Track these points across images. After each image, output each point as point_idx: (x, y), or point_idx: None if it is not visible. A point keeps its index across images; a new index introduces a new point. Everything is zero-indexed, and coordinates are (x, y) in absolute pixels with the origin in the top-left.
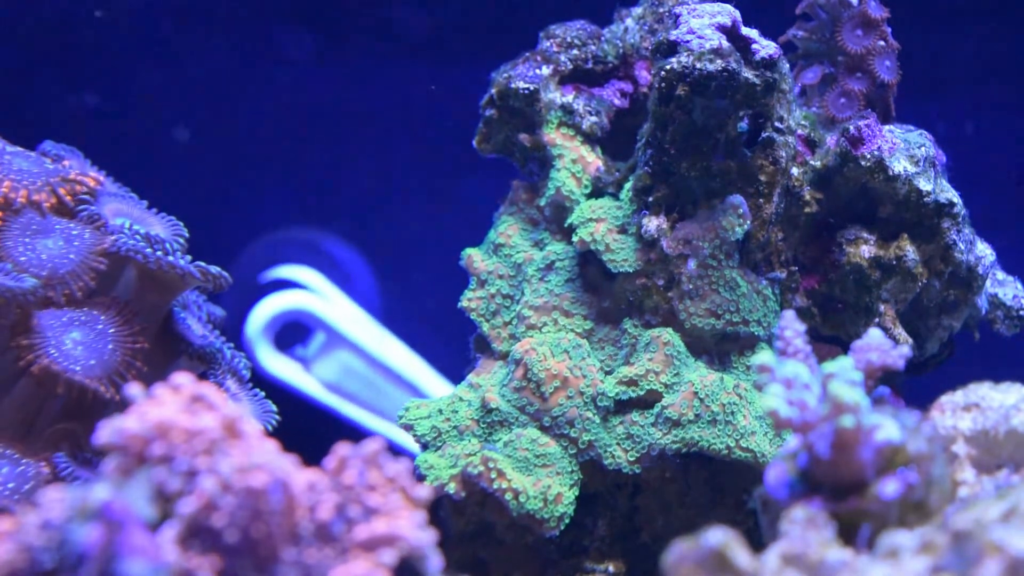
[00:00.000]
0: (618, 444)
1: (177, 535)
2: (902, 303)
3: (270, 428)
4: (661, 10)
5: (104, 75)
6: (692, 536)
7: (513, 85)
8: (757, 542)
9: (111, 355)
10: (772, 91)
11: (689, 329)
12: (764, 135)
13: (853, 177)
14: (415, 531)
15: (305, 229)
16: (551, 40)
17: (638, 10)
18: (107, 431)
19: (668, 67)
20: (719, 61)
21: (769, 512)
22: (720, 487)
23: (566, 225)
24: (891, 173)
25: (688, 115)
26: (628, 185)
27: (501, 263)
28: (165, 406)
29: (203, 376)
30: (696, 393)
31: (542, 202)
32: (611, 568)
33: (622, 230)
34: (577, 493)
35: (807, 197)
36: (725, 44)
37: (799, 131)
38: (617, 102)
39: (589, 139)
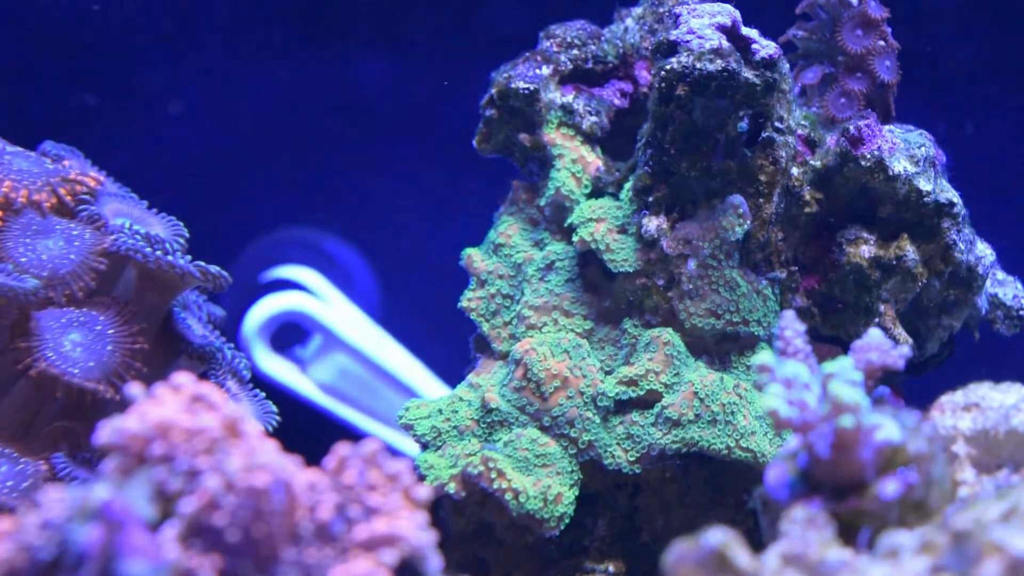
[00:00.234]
0: (618, 444)
1: (178, 534)
2: (902, 303)
3: (270, 429)
4: (661, 10)
5: (104, 75)
6: (692, 536)
7: (513, 85)
8: (757, 542)
9: (110, 356)
10: (772, 91)
11: (689, 329)
12: (764, 135)
13: (853, 177)
14: (415, 531)
15: (305, 229)
16: (551, 40)
17: (638, 10)
18: (107, 431)
19: (668, 67)
20: (719, 61)
21: (769, 512)
22: (720, 487)
23: (566, 225)
24: (891, 173)
25: (688, 115)
26: (628, 185)
27: (501, 263)
28: (165, 406)
29: (203, 376)
30: (696, 393)
31: (542, 202)
32: (611, 568)
33: (622, 230)
34: (577, 493)
35: (807, 197)
36: (725, 44)
37: (799, 131)
38: (617, 102)
39: (589, 139)
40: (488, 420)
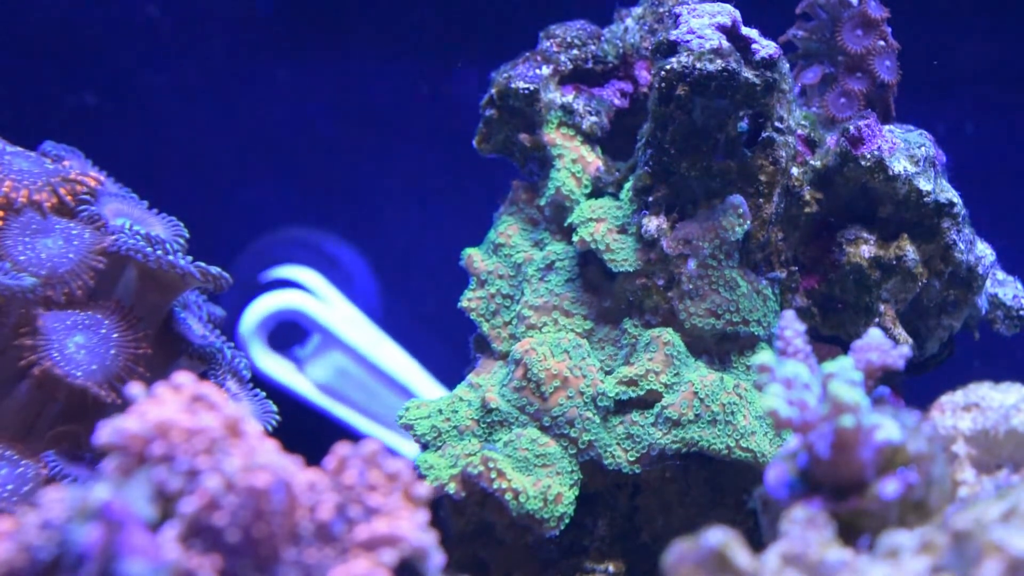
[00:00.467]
0: (618, 444)
1: (178, 534)
2: (902, 303)
3: (270, 428)
4: (661, 10)
5: (104, 75)
6: (692, 536)
7: (513, 85)
8: (757, 542)
9: (113, 360)
10: (772, 91)
11: (689, 329)
12: (764, 135)
13: (853, 177)
14: (416, 531)
15: (305, 229)
16: (551, 40)
17: (638, 10)
18: (107, 431)
19: (668, 67)
20: (719, 61)
21: (769, 512)
22: (720, 487)
23: (566, 225)
24: (891, 173)
25: (688, 115)
26: (628, 185)
27: (501, 263)
28: (165, 406)
29: (203, 376)
30: (696, 393)
31: (542, 202)
32: (611, 568)
33: (622, 230)
34: (577, 493)
35: (807, 197)
36: (725, 44)
37: (799, 131)
38: (617, 102)
39: (589, 139)
40: (488, 420)
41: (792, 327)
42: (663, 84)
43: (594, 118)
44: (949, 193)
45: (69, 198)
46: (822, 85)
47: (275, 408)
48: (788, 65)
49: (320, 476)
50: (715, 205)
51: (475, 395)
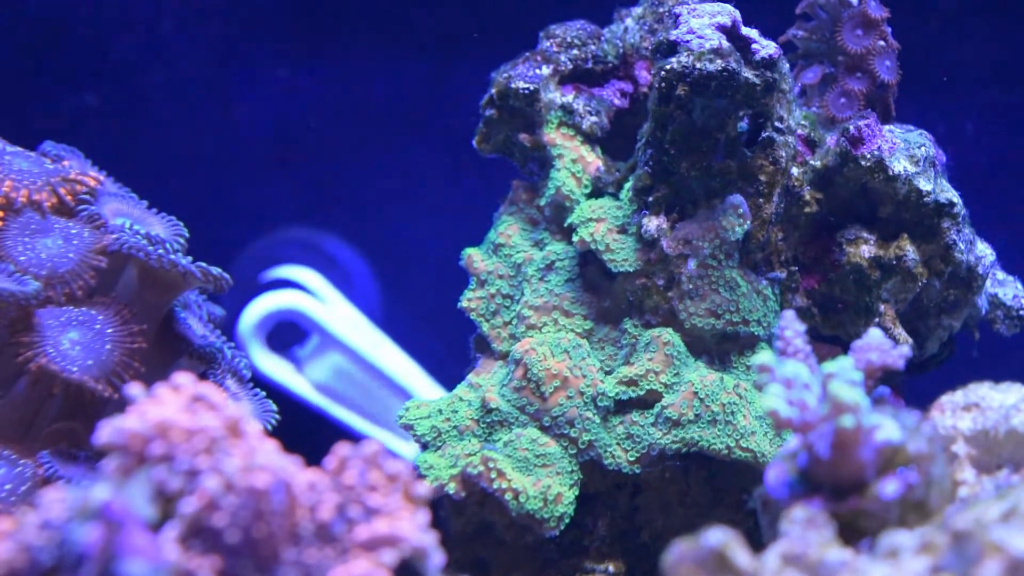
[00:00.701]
0: (618, 444)
1: (178, 535)
2: (902, 303)
3: (269, 427)
4: (661, 10)
5: (104, 75)
6: (692, 536)
7: (513, 85)
8: (757, 542)
9: (108, 355)
10: (772, 91)
11: (689, 329)
12: (764, 135)
13: (853, 177)
14: (416, 531)
15: (304, 229)
16: (551, 40)
17: (638, 10)
18: (107, 430)
19: (668, 67)
20: (719, 61)
21: (769, 512)
22: (720, 487)
23: (566, 225)
24: (891, 173)
25: (688, 115)
26: (628, 185)
27: (501, 263)
28: (166, 405)
29: (203, 376)
30: (696, 393)
31: (542, 202)
32: (611, 568)
33: (622, 230)
34: (577, 493)
35: (807, 197)
36: (725, 44)
37: (799, 131)
38: (617, 102)
39: (589, 139)
40: (488, 420)
41: (792, 327)
42: (663, 84)
43: (594, 118)
44: (949, 193)
45: (69, 198)
46: (822, 85)
47: (275, 407)
48: (788, 65)
49: (320, 476)
50: (715, 205)
51: (475, 395)
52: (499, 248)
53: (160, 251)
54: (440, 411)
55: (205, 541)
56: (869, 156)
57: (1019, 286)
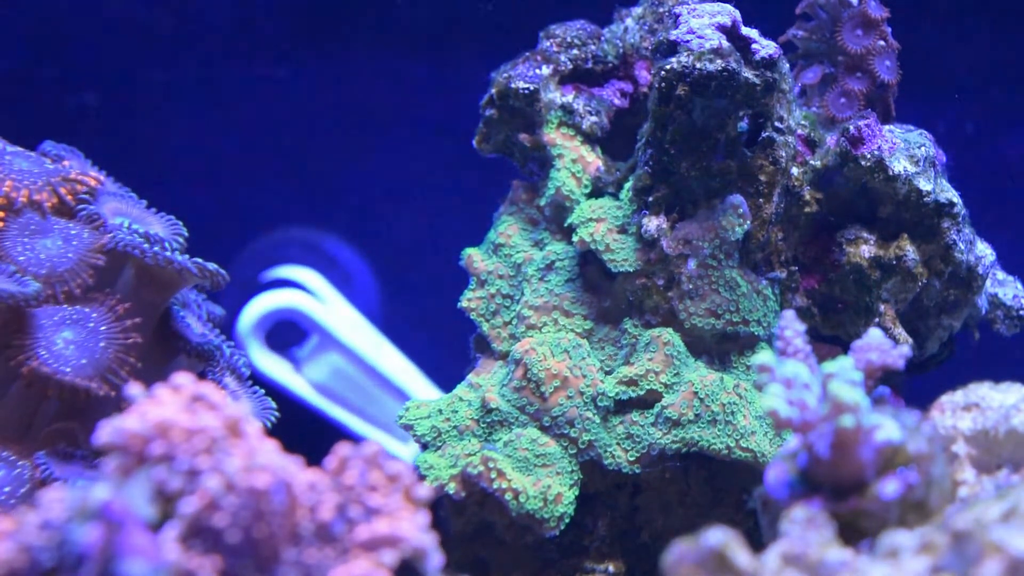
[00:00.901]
0: (618, 444)
1: (178, 535)
2: (902, 303)
3: (268, 425)
4: (661, 10)
5: (104, 75)
6: (692, 536)
7: (513, 85)
8: (757, 542)
9: (103, 353)
10: (772, 91)
11: (689, 329)
12: (764, 135)
13: (853, 177)
14: (416, 532)
15: (305, 229)
16: (551, 40)
17: (638, 10)
18: (107, 430)
19: (668, 67)
20: (719, 61)
21: (769, 512)
22: (720, 487)
23: (566, 225)
24: (891, 173)
25: (688, 115)
26: (628, 185)
27: (501, 263)
28: (166, 405)
29: (202, 374)
30: (696, 393)
31: (542, 202)
32: (611, 568)
33: (622, 230)
34: (577, 493)
35: (807, 197)
36: (725, 44)
37: (799, 131)
38: (617, 102)
39: (589, 139)
40: (488, 420)
41: (792, 327)
42: (663, 84)
43: (594, 118)
44: (949, 193)
45: (69, 198)
46: (822, 85)
47: (274, 405)
48: (788, 65)
49: (321, 476)
50: (715, 205)
51: (475, 395)
52: (499, 248)
53: (155, 249)
54: (440, 411)
55: (205, 541)
56: (869, 156)
57: (1019, 286)
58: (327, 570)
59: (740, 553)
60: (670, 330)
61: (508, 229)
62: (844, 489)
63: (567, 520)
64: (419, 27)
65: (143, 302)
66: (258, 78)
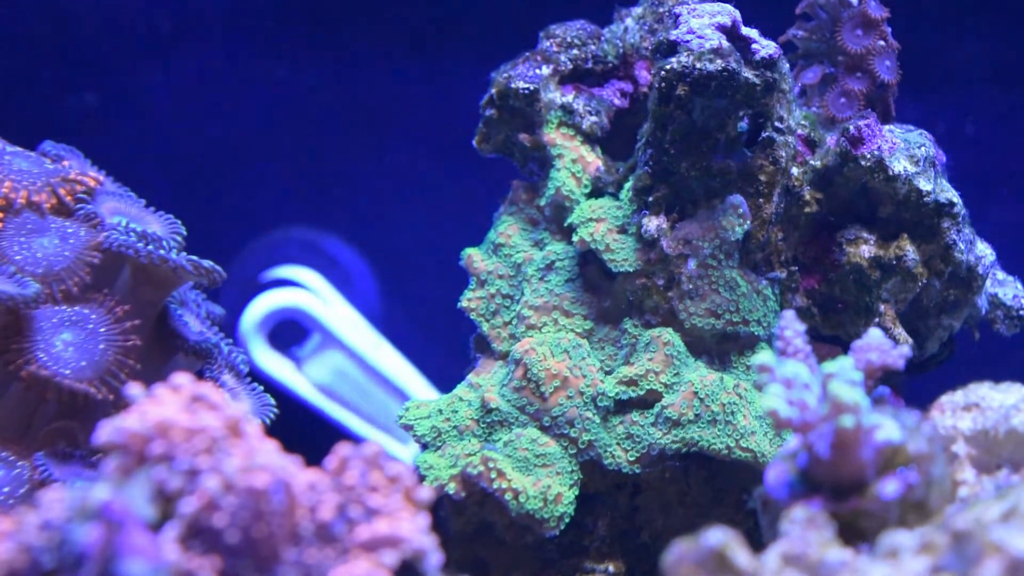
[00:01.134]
0: (618, 444)
1: (178, 535)
2: (902, 303)
3: (267, 421)
4: (661, 10)
5: (104, 75)
6: (692, 536)
7: (513, 85)
8: (757, 542)
9: (102, 355)
10: (772, 91)
11: (689, 329)
12: (764, 135)
13: (853, 177)
14: (417, 533)
15: (305, 229)
16: (551, 40)
17: (638, 10)
18: (107, 430)
19: (668, 67)
20: (719, 61)
21: (769, 512)
22: (720, 487)
23: (566, 225)
24: (891, 173)
25: (688, 115)
26: (628, 185)
27: (501, 263)
28: (166, 405)
29: (200, 372)
30: (696, 393)
31: (542, 202)
32: (611, 568)
33: (622, 230)
34: (577, 493)
35: (807, 197)
36: (725, 44)
37: (799, 131)
38: (617, 102)
39: (589, 139)
40: (488, 420)
41: (792, 327)
42: (663, 84)
43: (594, 118)
44: (949, 193)
45: (68, 198)
46: (822, 85)
47: (273, 402)
48: (788, 65)
49: (321, 476)
50: (715, 205)
51: (475, 395)
52: (499, 248)
53: (150, 247)
54: (440, 411)
55: (205, 541)
56: (869, 156)
57: (1019, 286)
58: (327, 570)
59: (740, 553)
60: (670, 330)
61: (508, 229)
62: (844, 489)
63: (567, 520)
64: (419, 27)
65: (140, 301)
66: (258, 78)
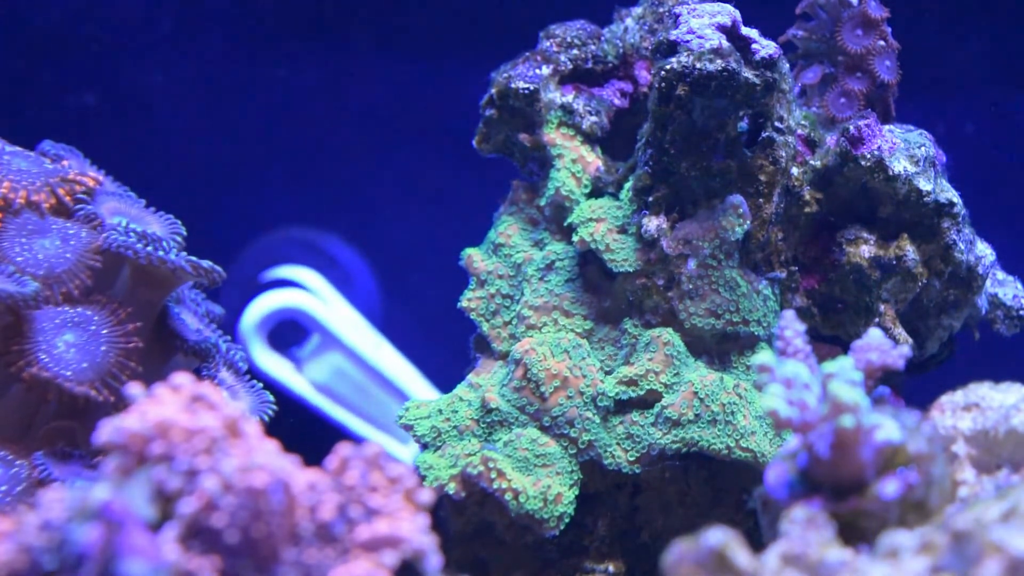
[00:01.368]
0: (618, 444)
1: (177, 535)
2: (902, 303)
3: (267, 418)
4: (661, 10)
5: (104, 75)
6: (692, 536)
7: (513, 85)
8: (757, 542)
9: (104, 356)
10: (772, 91)
11: (689, 329)
12: (764, 135)
13: (853, 177)
14: (417, 533)
15: (305, 229)
16: (551, 40)
17: (638, 10)
18: (107, 430)
19: (668, 67)
20: (719, 61)
21: (769, 512)
22: (720, 487)
23: (566, 225)
24: (891, 173)
25: (688, 115)
26: (628, 185)
27: (501, 263)
28: (165, 405)
29: (197, 370)
30: (696, 393)
31: (542, 202)
32: (611, 568)
33: (622, 230)
34: (577, 493)
35: (807, 197)
36: (725, 44)
37: (799, 131)
38: (617, 102)
39: (589, 139)
40: (488, 420)
41: (792, 327)
42: (663, 84)
43: (594, 118)
44: (949, 193)
45: (67, 198)
46: (822, 85)
47: (272, 399)
48: (788, 65)
49: (321, 476)
50: (715, 205)
51: (475, 395)
52: (499, 248)
53: (149, 248)
54: (440, 411)
55: (204, 541)
56: (869, 156)
57: (1019, 286)
58: (327, 570)
59: (740, 553)
60: (670, 330)
61: (508, 229)
62: (844, 489)
63: (567, 520)
64: (419, 27)
65: (140, 301)
66: (258, 78)
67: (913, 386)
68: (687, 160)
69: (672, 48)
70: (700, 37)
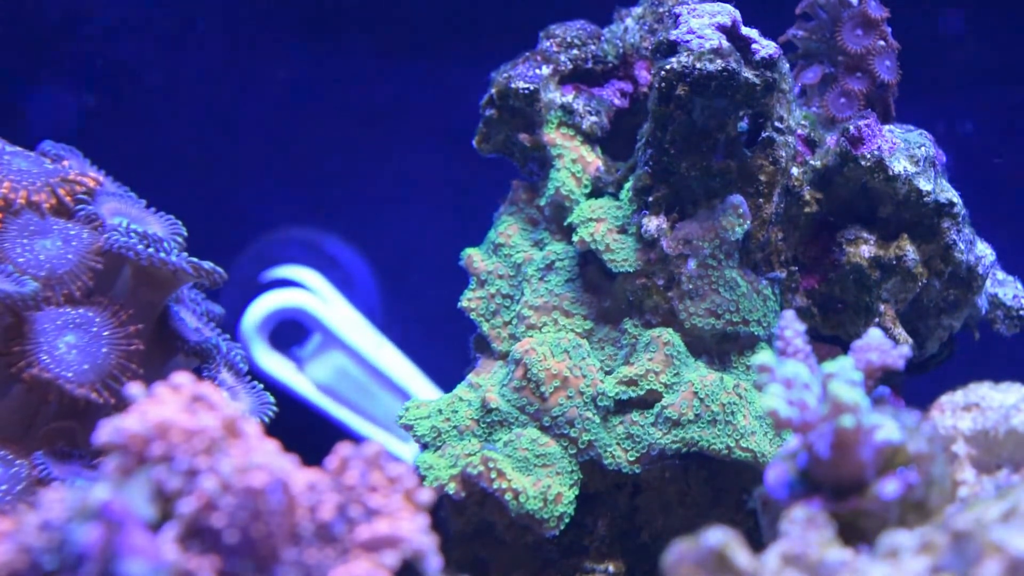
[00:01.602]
0: (618, 444)
1: (177, 535)
2: (902, 303)
3: (267, 419)
4: (661, 10)
5: (104, 75)
6: (692, 536)
7: (513, 85)
8: (757, 542)
9: (105, 358)
10: (772, 91)
11: (689, 329)
12: (764, 135)
13: (853, 177)
14: (417, 533)
15: (305, 229)
16: (551, 40)
17: (638, 10)
18: (107, 430)
19: (668, 67)
20: (719, 61)
21: (769, 512)
22: (720, 487)
23: (566, 225)
24: (891, 173)
25: (688, 115)
26: (628, 185)
27: (501, 263)
28: (165, 405)
29: (197, 370)
30: (696, 393)
31: (542, 202)
32: (611, 568)
33: (622, 230)
34: (577, 493)
35: (807, 197)
36: (725, 44)
37: (799, 131)
38: (617, 102)
39: (589, 139)
40: (488, 420)
41: (792, 327)
42: (663, 84)
43: (594, 118)
44: (949, 193)
45: (68, 199)
46: (822, 85)
47: (272, 399)
48: (788, 65)
49: (320, 476)
50: (715, 205)
51: (475, 395)
52: (499, 248)
53: (150, 249)
54: (440, 411)
55: (204, 541)
56: (869, 156)
57: (1019, 286)
58: (327, 570)
59: (740, 553)
60: (670, 330)
61: (508, 229)
62: (844, 489)
63: (567, 520)
64: (419, 27)
65: (141, 302)
66: (258, 78)
67: (913, 386)
68: (687, 160)
69: (672, 48)
70: (700, 37)
